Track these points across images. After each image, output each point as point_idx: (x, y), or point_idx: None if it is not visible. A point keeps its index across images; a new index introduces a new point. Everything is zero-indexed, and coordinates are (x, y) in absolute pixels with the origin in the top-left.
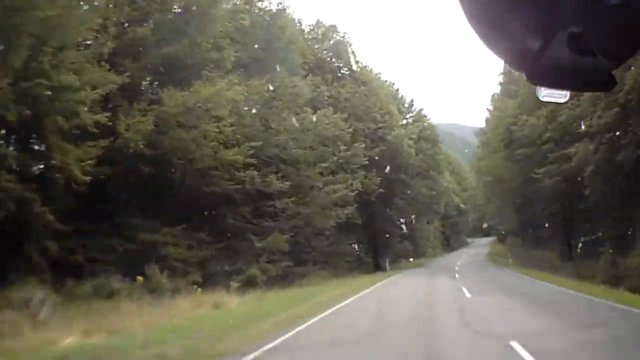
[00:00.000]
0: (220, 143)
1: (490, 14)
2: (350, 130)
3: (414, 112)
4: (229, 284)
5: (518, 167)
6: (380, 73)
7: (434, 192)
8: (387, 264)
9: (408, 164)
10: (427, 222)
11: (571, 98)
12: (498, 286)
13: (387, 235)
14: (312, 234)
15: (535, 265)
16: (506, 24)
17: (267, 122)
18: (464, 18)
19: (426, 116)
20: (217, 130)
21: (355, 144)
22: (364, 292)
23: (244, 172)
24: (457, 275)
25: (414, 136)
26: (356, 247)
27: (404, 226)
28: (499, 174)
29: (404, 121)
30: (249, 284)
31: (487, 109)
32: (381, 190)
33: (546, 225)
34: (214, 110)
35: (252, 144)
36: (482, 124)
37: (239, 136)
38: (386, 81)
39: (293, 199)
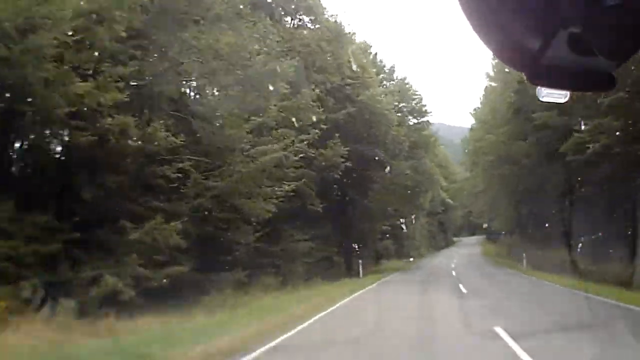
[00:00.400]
0: (70, 68)
1: (490, 13)
2: (295, 62)
3: (396, 80)
4: (70, 305)
5: (530, 143)
6: (354, 33)
7: (420, 178)
8: (360, 267)
9: (387, 135)
10: (414, 220)
11: None
12: (564, 321)
13: (362, 230)
14: (239, 222)
15: (557, 269)
16: (506, 23)
17: (158, 48)
18: (464, 18)
19: (410, 84)
20: (56, 40)
21: (304, 90)
22: (294, 331)
23: (112, 118)
24: (462, 287)
25: (396, 103)
26: (356, 246)
27: (403, 226)
28: (501, 153)
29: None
30: (110, 303)
31: (486, 74)
32: (348, 164)
33: (546, 224)
34: (55, 14)
35: (122, 69)
36: (470, 125)
37: (107, 64)
38: (363, 42)
39: (191, 162)
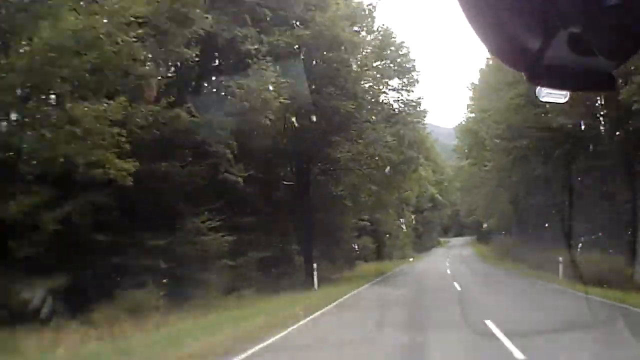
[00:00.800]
0: None
1: (489, 13)
2: None
3: (377, 30)
4: None
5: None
6: None
7: (409, 153)
8: (315, 275)
9: (358, 83)
10: (413, 219)
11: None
12: None
13: (330, 223)
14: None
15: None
16: (506, 23)
17: None
18: (464, 18)
19: (393, 33)
20: None
21: None
22: None
23: None
24: (496, 329)
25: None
26: (356, 246)
27: (403, 226)
28: (512, 122)
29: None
30: None
31: None
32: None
33: (546, 224)
34: None
35: None
36: (456, 125)
37: None
38: None
39: None
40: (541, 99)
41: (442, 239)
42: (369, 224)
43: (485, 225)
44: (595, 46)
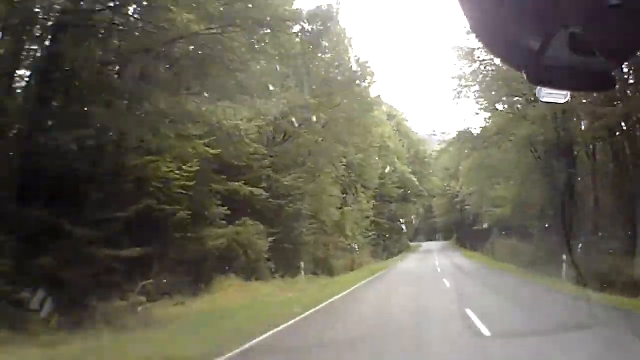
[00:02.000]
0: None
1: (490, 14)
2: None
3: None
4: None
5: None
6: None
7: None
8: None
9: None
10: (351, 195)
11: None
12: None
13: None
14: None
15: None
16: (506, 24)
17: None
18: (464, 19)
19: None
20: None
21: None
22: None
23: None
24: None
25: None
26: (355, 246)
27: (403, 226)
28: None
29: None
30: None
31: None
32: None
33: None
34: None
35: None
36: (438, 135)
37: None
38: None
39: None
40: (541, 99)
41: (411, 243)
42: (268, 196)
43: (485, 225)
44: (595, 46)
